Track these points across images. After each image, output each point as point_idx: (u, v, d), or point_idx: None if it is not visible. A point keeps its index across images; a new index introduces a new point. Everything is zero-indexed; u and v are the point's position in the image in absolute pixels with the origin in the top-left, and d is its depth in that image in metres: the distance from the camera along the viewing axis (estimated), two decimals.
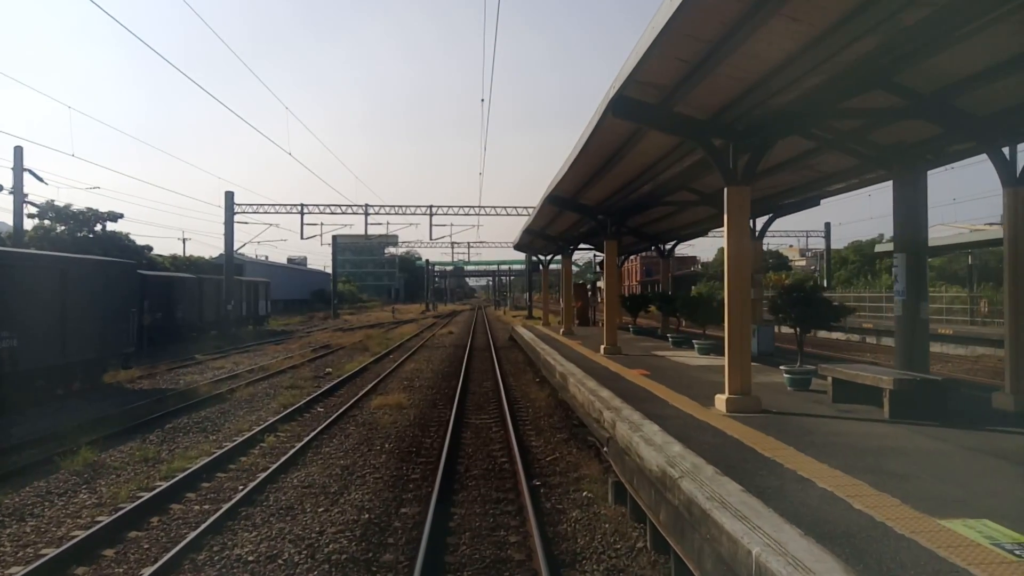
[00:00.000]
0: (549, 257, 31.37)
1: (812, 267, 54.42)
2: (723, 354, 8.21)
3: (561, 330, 23.13)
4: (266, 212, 34.37)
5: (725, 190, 8.21)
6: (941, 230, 76.60)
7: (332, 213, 35.11)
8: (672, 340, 17.50)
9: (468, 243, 64.60)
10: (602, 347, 15.57)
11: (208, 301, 34.09)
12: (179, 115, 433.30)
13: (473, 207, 35.62)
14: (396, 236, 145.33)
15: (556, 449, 10.01)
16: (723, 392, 8.04)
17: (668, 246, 24.91)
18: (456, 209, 35.43)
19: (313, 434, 11.17)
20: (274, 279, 79.83)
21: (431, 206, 35.53)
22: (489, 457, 9.77)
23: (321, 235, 37.76)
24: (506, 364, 21.58)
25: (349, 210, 35.61)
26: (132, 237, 51.59)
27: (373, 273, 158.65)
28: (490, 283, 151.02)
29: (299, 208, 34.78)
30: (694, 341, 15.66)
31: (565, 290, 23.09)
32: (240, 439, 10.84)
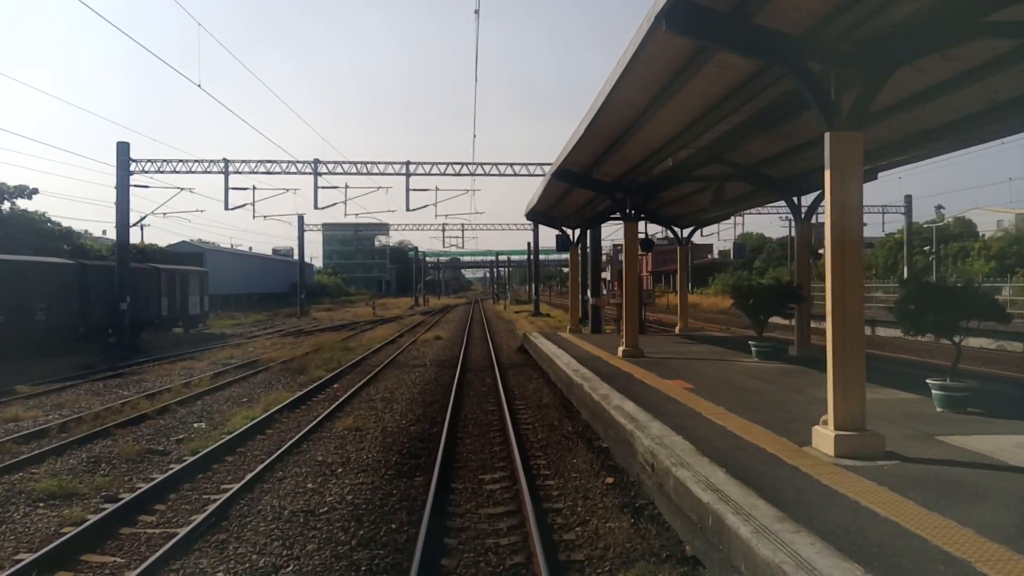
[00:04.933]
0: (577, 234, 21.55)
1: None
2: None
3: (620, 348, 13.53)
4: (176, 171, 24.63)
5: None
6: (977, 215, 67.90)
7: (268, 172, 25.27)
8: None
9: (462, 225, 54.88)
10: (825, 423, 5.84)
11: (100, 297, 24.52)
12: (171, 106, 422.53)
13: (465, 164, 25.70)
14: (387, 225, 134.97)
15: None
16: None
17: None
18: (443, 167, 25.63)
19: None
20: (240, 269, 70.11)
21: (408, 163, 25.75)
22: None
23: (254, 203, 27.85)
24: (525, 413, 12.06)
25: (293, 167, 25.79)
26: (85, 224, 42.08)
27: (362, 264, 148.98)
28: (487, 275, 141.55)
29: (222, 164, 24.94)
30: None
31: (627, 279, 13.43)
32: None
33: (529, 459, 8.84)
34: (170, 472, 8.35)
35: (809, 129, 10.45)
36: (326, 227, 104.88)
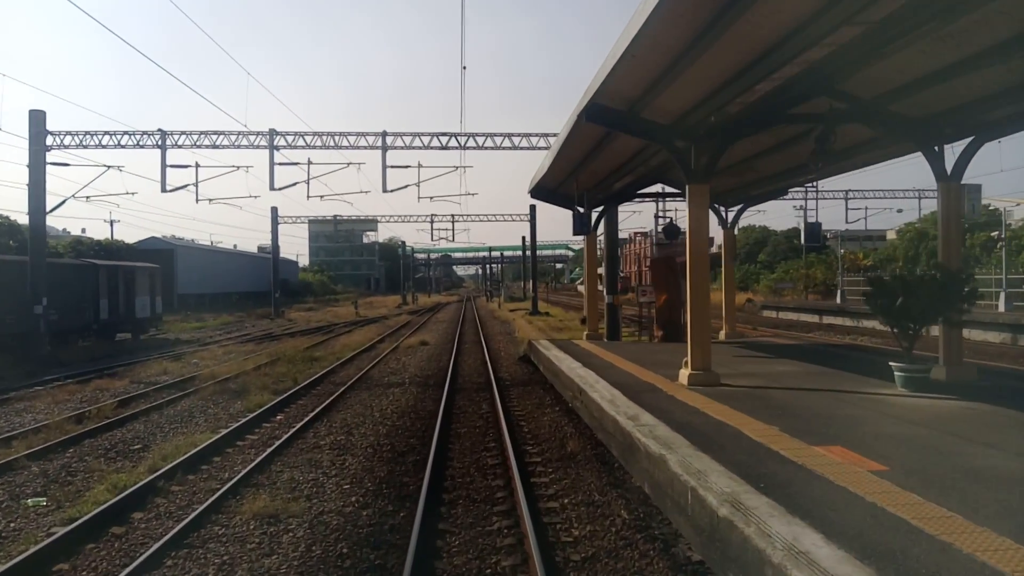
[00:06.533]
0: (592, 217, 17.36)
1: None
2: None
3: (685, 372, 9.39)
4: (102, 146, 20.38)
5: None
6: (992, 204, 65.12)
7: (215, 146, 21.04)
8: None
9: (452, 216, 50.72)
10: None
11: (15, 299, 20.25)
12: (153, 103, 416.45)
13: (453, 135, 21.48)
14: (375, 220, 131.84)
15: None
16: None
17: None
18: (426, 139, 21.43)
19: None
20: (215, 267, 65.52)
21: (384, 133, 21.53)
22: None
23: (197, 184, 23.40)
24: (544, 474, 7.99)
25: (245, 140, 21.56)
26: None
27: (351, 262, 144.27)
28: (479, 271, 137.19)
29: (158, 136, 20.61)
30: None
31: (693, 268, 9.19)
32: None
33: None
34: None
35: (1006, 24, 6.42)
36: (312, 223, 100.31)
